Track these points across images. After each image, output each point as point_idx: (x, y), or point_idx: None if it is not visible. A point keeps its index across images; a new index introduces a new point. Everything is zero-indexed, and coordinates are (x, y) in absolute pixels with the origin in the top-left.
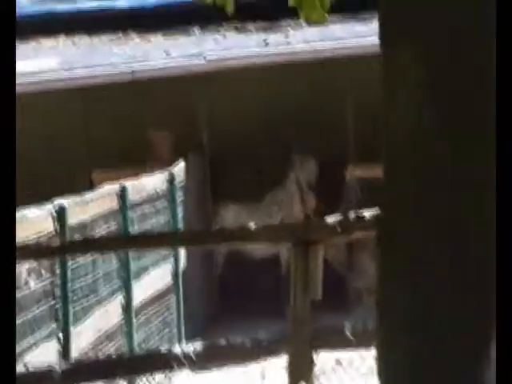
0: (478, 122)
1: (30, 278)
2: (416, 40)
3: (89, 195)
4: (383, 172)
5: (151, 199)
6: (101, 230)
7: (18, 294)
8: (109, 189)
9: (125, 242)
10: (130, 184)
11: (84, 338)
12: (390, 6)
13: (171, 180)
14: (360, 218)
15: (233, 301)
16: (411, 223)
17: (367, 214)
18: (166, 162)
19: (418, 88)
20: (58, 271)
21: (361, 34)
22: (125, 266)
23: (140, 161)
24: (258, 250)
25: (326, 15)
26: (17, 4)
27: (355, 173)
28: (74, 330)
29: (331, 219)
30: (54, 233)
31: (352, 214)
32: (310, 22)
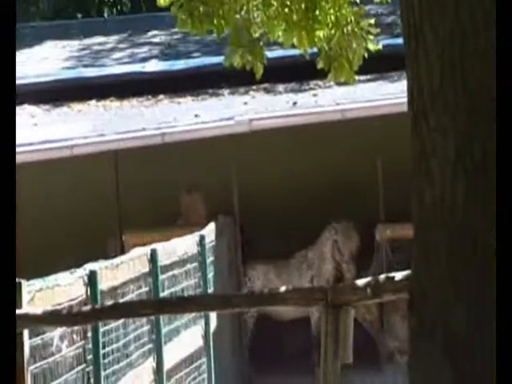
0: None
1: (62, 343)
2: (447, 115)
3: (119, 259)
4: (414, 234)
5: (182, 261)
6: (132, 294)
7: (50, 360)
8: (139, 252)
9: (156, 306)
10: (161, 247)
11: None
12: (419, 83)
13: (201, 242)
14: (391, 280)
15: (264, 362)
16: (442, 286)
17: (398, 275)
18: (197, 225)
19: (452, 164)
20: (89, 335)
21: (389, 94)
22: (156, 328)
23: (171, 224)
24: (288, 311)
25: (355, 76)
26: (48, 70)
27: (386, 234)
28: None
29: (362, 282)
30: (85, 298)
31: (383, 276)
32: (339, 83)
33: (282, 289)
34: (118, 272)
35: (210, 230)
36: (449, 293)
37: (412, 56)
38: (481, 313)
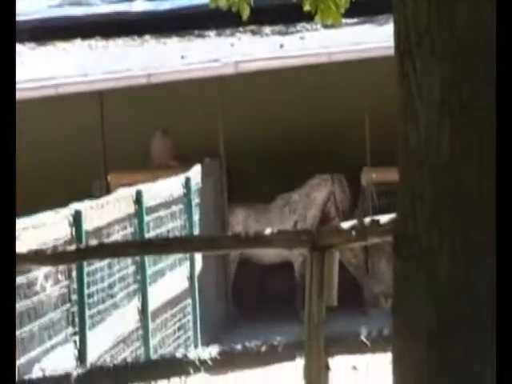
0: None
1: (46, 282)
2: (434, 57)
3: (105, 199)
4: (400, 177)
5: (167, 203)
6: (117, 235)
7: (35, 299)
8: (125, 193)
9: (141, 246)
10: (146, 188)
11: (100, 342)
12: (406, 24)
13: (187, 184)
14: (376, 223)
15: (247, 305)
16: (428, 228)
17: (384, 218)
18: (182, 166)
19: (438, 107)
20: (74, 275)
21: (376, 37)
22: (141, 270)
23: (156, 165)
24: (269, 255)
25: (341, 18)
26: (34, 8)
27: (371, 177)
28: (90, 334)
29: (347, 224)
30: (70, 238)
31: (368, 219)
32: (326, 25)
33: (268, 231)
34: (103, 212)
35: (195, 172)
36: (434, 235)
37: None
38: (466, 256)
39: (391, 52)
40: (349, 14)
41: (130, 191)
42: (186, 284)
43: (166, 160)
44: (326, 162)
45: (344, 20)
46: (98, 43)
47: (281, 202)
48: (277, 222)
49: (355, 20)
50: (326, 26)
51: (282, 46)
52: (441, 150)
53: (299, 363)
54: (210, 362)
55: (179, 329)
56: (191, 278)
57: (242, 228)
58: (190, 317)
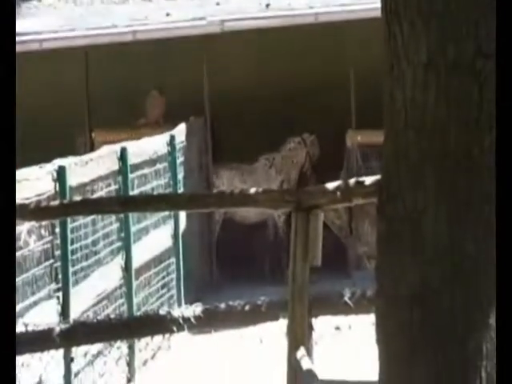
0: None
1: (29, 237)
2: (420, 17)
3: (89, 156)
4: (385, 137)
5: (151, 161)
6: (101, 192)
7: (18, 254)
8: (109, 150)
9: (125, 203)
10: (131, 145)
11: (83, 298)
12: None
13: (172, 142)
14: (360, 184)
15: (230, 265)
16: (412, 188)
17: (368, 180)
18: (167, 124)
19: (424, 67)
20: (57, 231)
21: None
22: (125, 227)
23: (141, 122)
24: (254, 215)
25: None
26: None
27: (356, 139)
28: (73, 291)
29: (332, 185)
30: (54, 193)
31: (352, 180)
32: None
33: (252, 190)
34: (87, 169)
35: (180, 131)
36: (418, 195)
37: None
38: (451, 216)
39: (378, 14)
40: None
41: (115, 148)
42: (170, 242)
43: (158, 118)
44: (312, 123)
45: None
46: None
47: (264, 162)
48: (263, 182)
49: None
50: None
51: (267, 5)
52: (426, 111)
53: (283, 323)
54: (193, 320)
55: (163, 287)
56: (175, 236)
57: (228, 188)
58: (173, 275)
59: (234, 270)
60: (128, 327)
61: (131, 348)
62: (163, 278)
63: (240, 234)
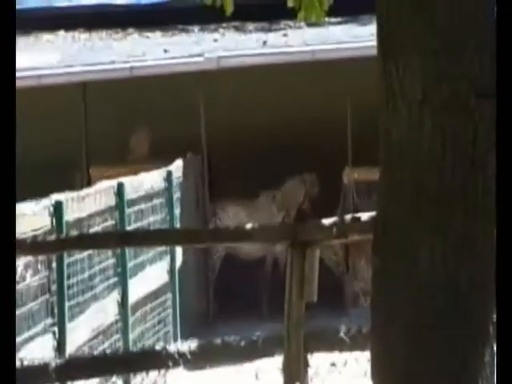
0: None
1: (26, 272)
2: (416, 55)
3: (86, 191)
4: (381, 173)
5: (148, 196)
6: (97, 227)
7: None
8: (106, 185)
9: (121, 238)
10: (128, 181)
11: (79, 333)
12: (388, 22)
13: (169, 178)
14: (356, 220)
15: (228, 302)
16: (407, 224)
17: (364, 216)
18: (164, 160)
19: (419, 104)
20: (54, 266)
21: (359, 37)
22: (121, 262)
23: (138, 158)
24: (255, 251)
25: (325, 16)
26: None
27: (353, 177)
28: (69, 326)
29: (328, 221)
30: (50, 228)
31: (348, 217)
32: (309, 22)
33: (249, 225)
34: (84, 204)
35: (177, 166)
36: (413, 231)
37: None
38: (446, 251)
39: (374, 52)
40: (332, 12)
41: (112, 183)
42: (166, 278)
43: (146, 155)
44: (310, 160)
45: (327, 19)
46: (81, 35)
47: (266, 199)
48: (266, 218)
49: (339, 19)
50: (309, 25)
51: (265, 42)
52: (421, 146)
53: (279, 359)
54: (188, 356)
55: (159, 323)
56: (172, 272)
57: (234, 223)
58: (169, 311)
59: (232, 307)
60: (124, 362)
61: (127, 382)
62: (159, 313)
63: (241, 270)
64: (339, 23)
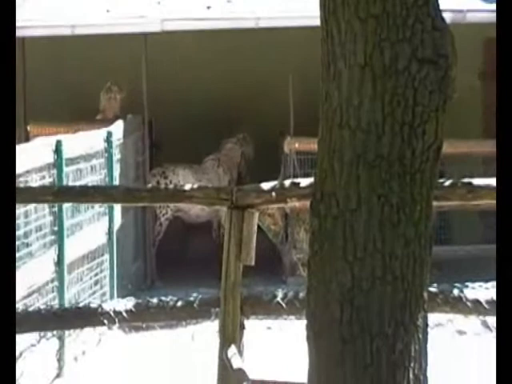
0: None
1: None
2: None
3: (23, 147)
4: (320, 136)
5: (87, 156)
6: (34, 184)
7: None
8: (44, 142)
9: (58, 193)
10: (67, 139)
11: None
12: None
13: (109, 139)
14: (296, 186)
15: (167, 264)
16: (346, 188)
17: (304, 182)
18: (104, 121)
19: (360, 68)
20: None
21: (305, 5)
22: (58, 220)
23: (78, 117)
24: (204, 215)
25: None
26: None
27: (294, 146)
28: None
29: (267, 185)
30: None
31: (288, 182)
32: None
33: (188, 186)
34: (21, 160)
35: (117, 128)
36: (351, 195)
37: None
38: (382, 218)
39: (318, 22)
40: None
41: (50, 140)
42: (104, 239)
43: (103, 114)
44: (249, 126)
45: None
46: None
47: (212, 162)
48: (215, 182)
49: None
50: None
51: (208, 7)
52: (362, 111)
53: (215, 322)
54: (124, 314)
55: (95, 284)
56: (109, 233)
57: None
58: (106, 272)
59: (173, 270)
60: (58, 318)
61: (61, 339)
62: (96, 274)
63: (186, 233)
64: None
